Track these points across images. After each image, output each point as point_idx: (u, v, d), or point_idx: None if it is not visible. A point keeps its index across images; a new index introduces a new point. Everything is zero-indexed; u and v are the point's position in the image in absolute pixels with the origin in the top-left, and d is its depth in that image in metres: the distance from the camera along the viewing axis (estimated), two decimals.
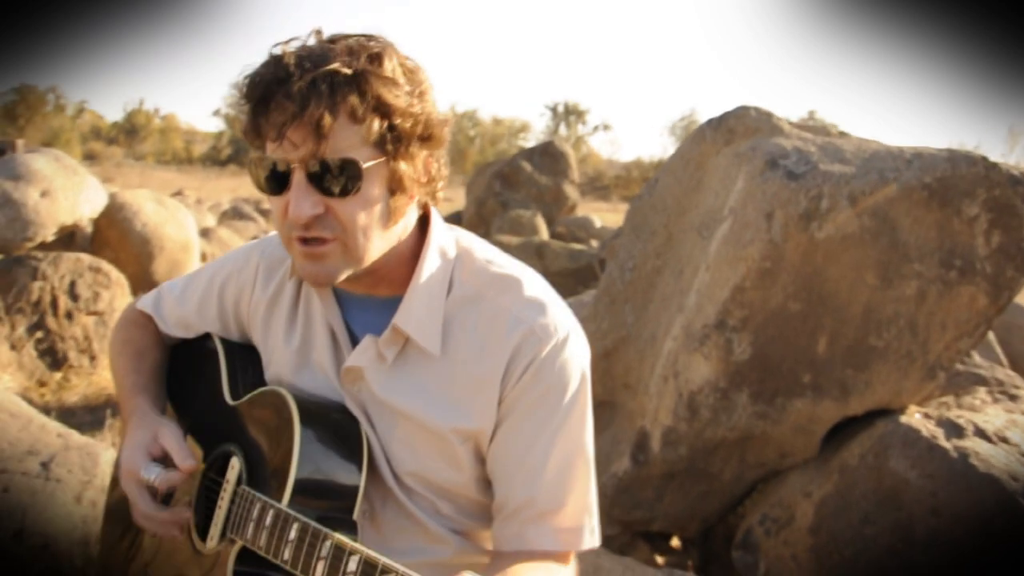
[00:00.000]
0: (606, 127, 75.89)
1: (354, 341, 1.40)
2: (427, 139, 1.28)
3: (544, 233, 11.59)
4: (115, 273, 6.11)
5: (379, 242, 1.29)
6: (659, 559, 3.91)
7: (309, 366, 1.43)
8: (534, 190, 12.64)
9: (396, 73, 1.23)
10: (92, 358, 5.88)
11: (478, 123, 65.29)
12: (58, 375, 5.72)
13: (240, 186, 31.90)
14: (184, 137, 62.92)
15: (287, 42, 1.24)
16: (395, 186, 1.27)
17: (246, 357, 1.55)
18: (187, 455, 1.38)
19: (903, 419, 3.29)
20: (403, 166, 1.26)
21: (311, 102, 1.16)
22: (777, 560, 3.30)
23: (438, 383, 1.34)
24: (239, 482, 1.37)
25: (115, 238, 6.71)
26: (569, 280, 9.45)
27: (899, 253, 3.08)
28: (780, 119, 3.43)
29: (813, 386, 3.17)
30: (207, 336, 1.61)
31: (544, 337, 1.32)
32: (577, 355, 1.36)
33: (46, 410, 4.45)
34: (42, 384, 5.59)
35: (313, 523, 1.19)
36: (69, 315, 5.82)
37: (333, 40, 1.25)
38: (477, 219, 12.83)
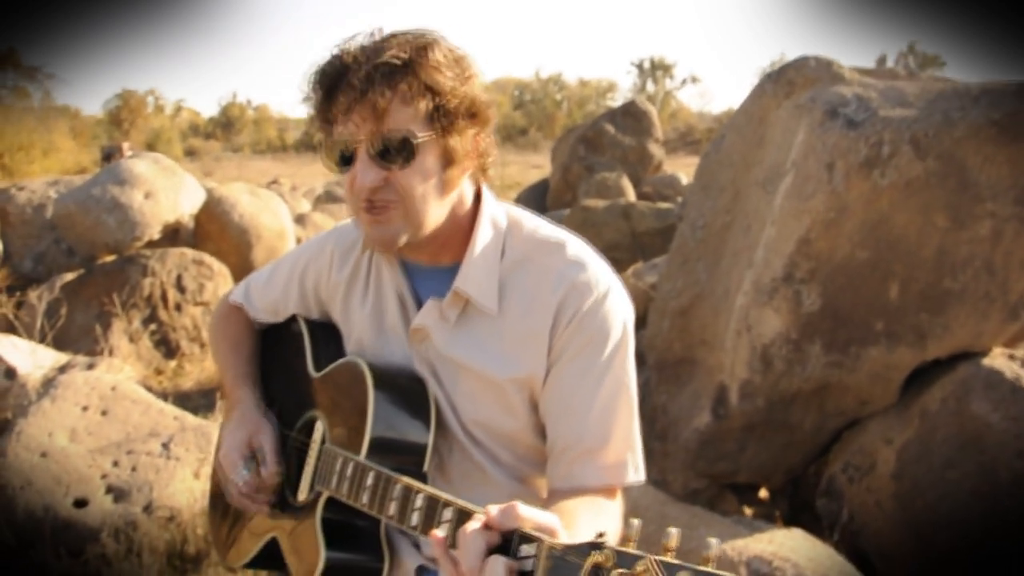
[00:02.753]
0: (694, 79, 74.12)
1: (420, 306, 1.58)
2: (473, 116, 1.44)
3: (631, 194, 11.53)
4: (217, 265, 6.48)
5: (436, 210, 1.46)
6: (747, 510, 3.97)
7: (384, 331, 1.63)
8: (619, 151, 12.56)
9: (443, 60, 1.40)
10: (202, 346, 6.27)
11: (564, 86, 64.75)
12: (173, 363, 6.13)
13: None
14: (277, 125, 64.53)
15: (348, 40, 1.44)
16: (448, 159, 1.44)
17: (327, 334, 1.76)
18: (277, 460, 1.64)
19: (985, 362, 3.25)
20: (453, 141, 1.43)
21: (370, 88, 1.35)
22: (861, 507, 3.34)
23: (495, 338, 1.51)
24: (323, 442, 1.57)
25: (215, 231, 7.08)
26: (657, 239, 9.37)
27: (969, 193, 3.04)
28: (841, 67, 3.41)
29: (887, 333, 3.18)
30: (292, 318, 1.82)
31: (585, 291, 1.47)
32: (618, 307, 1.50)
33: (164, 396, 4.80)
34: (159, 372, 6.01)
35: (386, 470, 1.38)
36: (178, 307, 6.22)
37: (387, 37, 1.43)
38: (563, 185, 12.85)
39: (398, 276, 1.60)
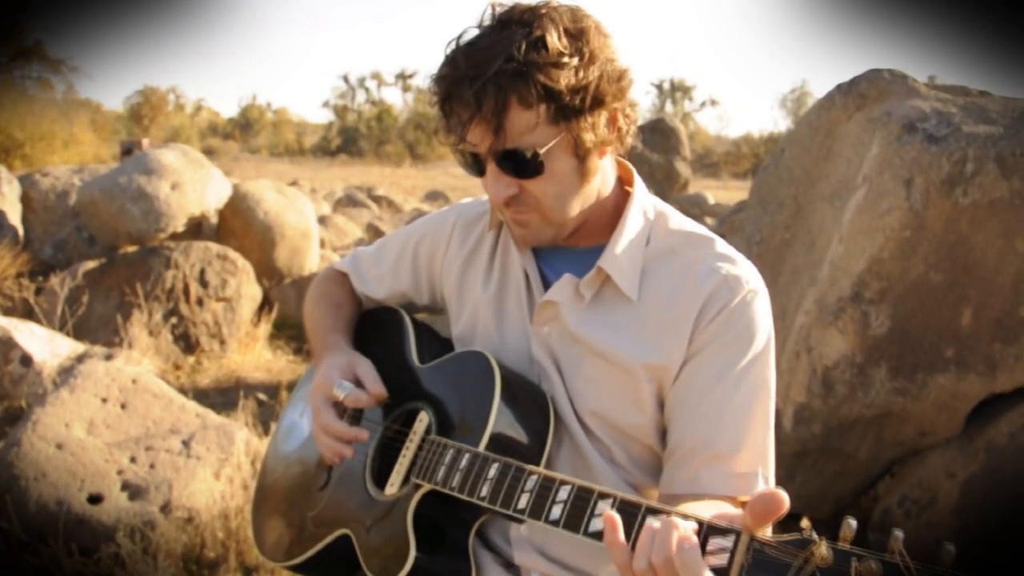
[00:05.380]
0: (714, 102, 74.20)
1: (547, 287, 1.48)
2: (602, 102, 1.33)
3: None
4: (241, 260, 6.34)
5: (577, 203, 1.39)
6: None
7: (504, 312, 1.54)
8: (645, 168, 12.38)
9: (560, 50, 1.28)
10: (222, 343, 6.12)
11: None
12: (191, 359, 5.99)
13: (351, 174, 32.66)
14: (295, 129, 64.74)
15: (459, 36, 1.33)
16: (582, 152, 1.35)
17: (431, 332, 1.68)
18: (379, 384, 1.50)
19: None
20: (584, 134, 1.33)
21: (484, 104, 1.26)
22: (918, 543, 3.16)
23: (631, 323, 1.41)
24: (427, 433, 1.44)
25: (239, 227, 6.94)
26: None
27: None
28: (915, 81, 3.25)
29: (957, 361, 3.01)
30: (391, 310, 1.73)
31: (736, 287, 1.38)
32: (765, 311, 1.41)
33: (182, 391, 4.65)
34: (177, 367, 5.86)
35: (515, 462, 1.25)
36: (200, 302, 6.07)
37: (497, 29, 1.31)
38: None
39: (526, 253, 1.52)
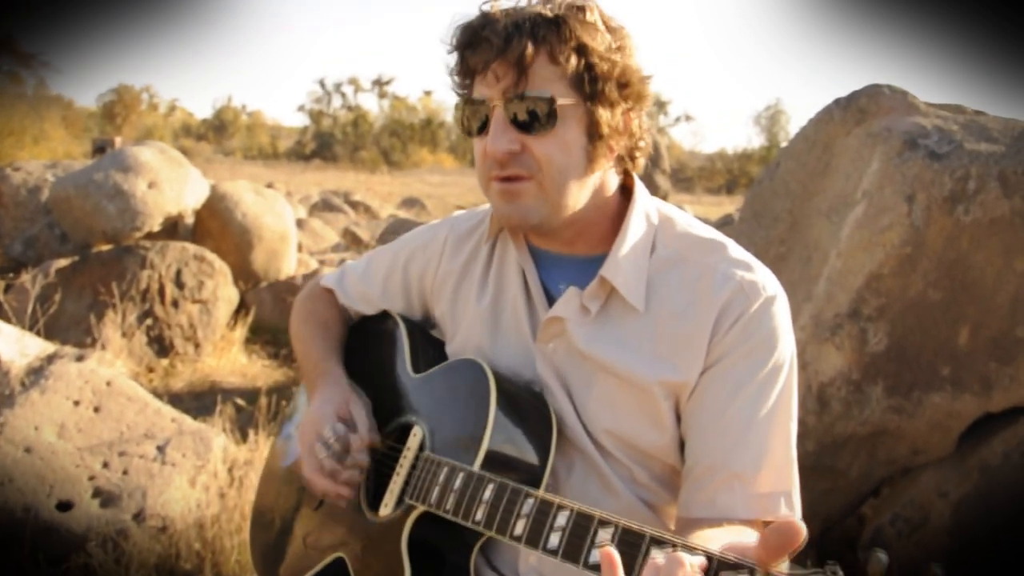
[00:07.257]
0: (688, 118, 74.69)
1: (549, 299, 1.40)
2: (625, 87, 1.29)
3: None
4: (218, 262, 6.20)
5: (576, 190, 1.30)
6: None
7: (501, 328, 1.45)
8: None
9: (597, 22, 1.27)
10: (196, 346, 5.99)
11: None
12: (165, 362, 5.84)
13: (325, 179, 32.44)
14: (270, 132, 64.24)
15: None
16: (593, 131, 1.29)
17: (427, 337, 1.58)
18: (373, 428, 1.44)
19: None
20: (601, 111, 1.28)
21: (514, 39, 1.23)
22: (910, 563, 3.13)
23: (643, 337, 1.33)
24: (421, 449, 1.36)
25: (216, 228, 6.81)
26: None
27: None
28: (915, 97, 3.24)
29: (953, 380, 2.98)
30: (386, 316, 1.64)
31: (752, 294, 1.30)
32: (784, 318, 1.33)
33: (155, 395, 4.52)
34: (150, 370, 5.72)
35: (511, 483, 1.16)
36: (175, 303, 5.93)
37: None
38: None
39: (527, 261, 1.42)
